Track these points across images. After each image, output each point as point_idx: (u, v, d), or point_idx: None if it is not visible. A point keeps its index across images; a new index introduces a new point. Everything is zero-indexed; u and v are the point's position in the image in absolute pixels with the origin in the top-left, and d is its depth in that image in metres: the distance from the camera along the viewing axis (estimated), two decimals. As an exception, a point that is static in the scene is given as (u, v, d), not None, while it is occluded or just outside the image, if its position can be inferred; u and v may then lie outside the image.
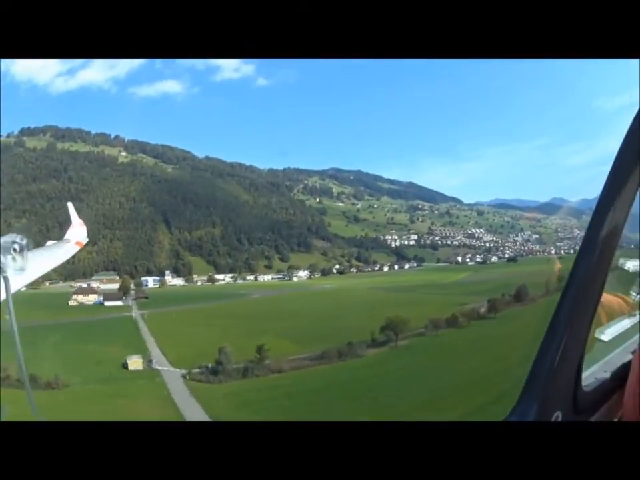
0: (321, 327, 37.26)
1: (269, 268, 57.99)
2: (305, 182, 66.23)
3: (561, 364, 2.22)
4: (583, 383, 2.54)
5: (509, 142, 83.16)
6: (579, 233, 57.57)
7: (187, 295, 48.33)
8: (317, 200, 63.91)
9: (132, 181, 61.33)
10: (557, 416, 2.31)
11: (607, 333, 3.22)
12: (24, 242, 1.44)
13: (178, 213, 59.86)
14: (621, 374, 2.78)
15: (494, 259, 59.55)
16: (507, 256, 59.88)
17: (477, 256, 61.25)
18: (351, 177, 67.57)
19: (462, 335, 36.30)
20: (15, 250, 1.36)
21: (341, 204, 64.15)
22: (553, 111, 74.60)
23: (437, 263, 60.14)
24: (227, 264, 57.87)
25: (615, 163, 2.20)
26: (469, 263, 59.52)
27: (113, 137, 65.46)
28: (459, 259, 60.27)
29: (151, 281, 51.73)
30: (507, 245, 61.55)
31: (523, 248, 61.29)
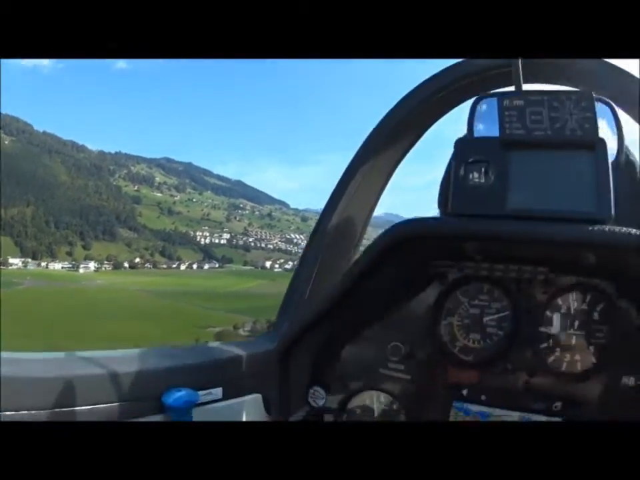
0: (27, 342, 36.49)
1: (70, 255, 57.68)
2: (131, 168, 65.84)
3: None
4: None
5: (350, 148, 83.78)
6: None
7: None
8: (135, 187, 63.53)
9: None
10: None
11: None
12: None
13: (-2, 188, 58.50)
14: None
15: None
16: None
17: (290, 262, 60.93)
18: (180, 169, 67.60)
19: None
20: None
21: (159, 194, 64.12)
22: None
23: (244, 265, 58.92)
24: (31, 247, 57.19)
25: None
26: (277, 269, 57.89)
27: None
28: (268, 264, 59.21)
29: None
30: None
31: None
